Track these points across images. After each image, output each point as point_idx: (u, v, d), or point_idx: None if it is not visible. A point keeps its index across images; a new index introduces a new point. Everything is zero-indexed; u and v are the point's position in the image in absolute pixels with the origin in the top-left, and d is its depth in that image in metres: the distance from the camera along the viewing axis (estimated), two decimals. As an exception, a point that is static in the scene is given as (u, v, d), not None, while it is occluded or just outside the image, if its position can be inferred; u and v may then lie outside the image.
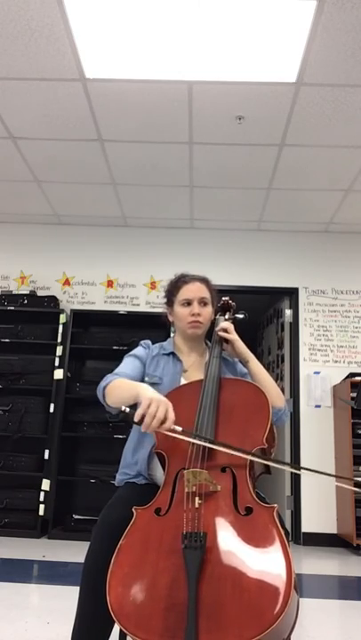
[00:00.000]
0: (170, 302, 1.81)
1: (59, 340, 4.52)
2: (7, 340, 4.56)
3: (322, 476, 4.44)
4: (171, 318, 1.83)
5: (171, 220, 5.03)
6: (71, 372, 4.57)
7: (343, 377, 4.55)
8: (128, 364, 1.72)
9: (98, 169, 4.17)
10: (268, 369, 5.69)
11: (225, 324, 1.72)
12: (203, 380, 1.54)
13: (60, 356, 4.48)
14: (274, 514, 1.17)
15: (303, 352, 4.84)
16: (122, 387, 1.51)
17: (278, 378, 5.17)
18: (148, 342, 1.82)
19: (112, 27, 2.75)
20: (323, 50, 2.84)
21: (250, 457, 1.31)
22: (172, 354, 1.77)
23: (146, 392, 1.37)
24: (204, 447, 1.32)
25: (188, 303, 1.74)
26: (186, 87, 3.18)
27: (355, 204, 4.55)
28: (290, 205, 4.65)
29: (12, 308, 4.61)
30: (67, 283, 5.08)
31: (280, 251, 5.10)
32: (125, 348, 4.35)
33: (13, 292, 4.79)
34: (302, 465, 4.57)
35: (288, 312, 5.05)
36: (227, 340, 1.71)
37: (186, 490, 1.22)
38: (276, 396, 1.62)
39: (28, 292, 4.77)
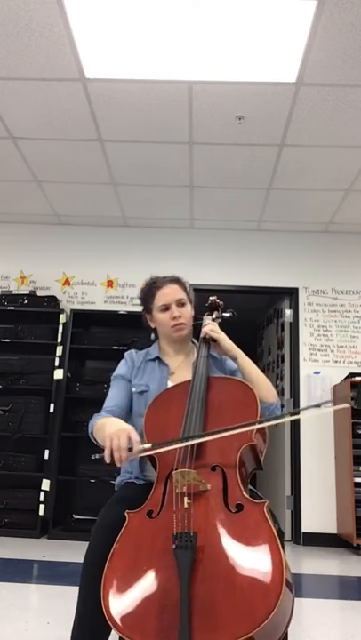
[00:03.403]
0: (148, 310, 1.80)
1: (59, 340, 4.52)
2: (7, 340, 4.56)
3: (322, 477, 4.45)
4: (153, 325, 1.81)
5: (171, 219, 5.03)
6: (71, 372, 4.57)
7: (343, 377, 4.55)
8: (113, 392, 1.72)
9: (98, 169, 4.17)
10: (268, 369, 5.72)
11: (209, 325, 1.71)
12: (190, 381, 1.54)
13: (60, 356, 4.48)
14: (264, 509, 1.17)
15: (303, 352, 4.84)
16: (99, 429, 1.51)
17: (278, 378, 5.18)
18: (132, 353, 1.81)
19: (112, 27, 2.76)
20: (323, 50, 2.84)
21: (241, 429, 1.31)
22: (158, 358, 1.76)
23: (106, 430, 1.37)
24: (192, 448, 1.32)
25: (167, 308, 1.72)
26: (186, 87, 3.18)
27: (355, 204, 4.55)
28: (290, 205, 4.65)
29: (12, 308, 4.61)
30: (67, 283, 5.08)
31: (280, 251, 5.10)
32: (125, 348, 4.35)
33: (13, 292, 4.79)
34: (302, 465, 4.57)
35: (288, 312, 5.05)
36: (214, 339, 1.70)
37: (176, 491, 1.22)
38: (267, 391, 1.61)
39: (28, 292, 4.77)
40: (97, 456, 1.37)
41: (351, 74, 3.00)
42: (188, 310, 1.76)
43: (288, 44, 2.81)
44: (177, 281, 1.80)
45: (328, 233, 5.13)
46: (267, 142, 3.72)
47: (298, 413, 1.66)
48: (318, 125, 3.49)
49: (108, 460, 1.32)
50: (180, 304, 1.73)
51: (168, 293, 1.73)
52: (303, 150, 3.79)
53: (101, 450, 1.38)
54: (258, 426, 1.38)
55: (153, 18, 2.68)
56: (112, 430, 1.35)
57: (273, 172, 4.11)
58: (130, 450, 1.31)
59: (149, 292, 1.78)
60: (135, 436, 1.33)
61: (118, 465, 1.34)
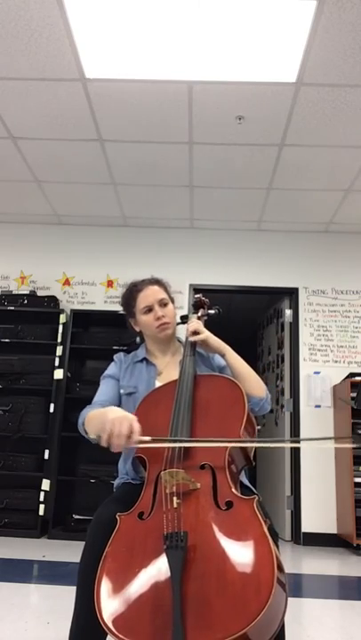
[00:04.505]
0: (130, 314, 1.81)
1: (59, 340, 4.52)
2: (7, 340, 4.56)
3: (322, 477, 4.45)
4: (137, 328, 1.82)
5: (171, 219, 5.03)
6: (71, 372, 4.57)
7: (343, 377, 4.55)
8: (103, 388, 1.74)
9: (98, 169, 4.17)
10: (268, 369, 5.71)
11: (192, 326, 1.70)
12: (177, 380, 1.54)
13: (60, 356, 4.48)
14: (254, 505, 1.17)
15: (303, 352, 4.84)
16: (94, 418, 1.51)
17: (278, 378, 5.18)
18: (121, 355, 1.82)
19: (112, 27, 2.76)
20: (323, 50, 2.84)
21: (229, 444, 1.31)
22: (145, 359, 1.77)
23: (109, 415, 1.37)
24: (180, 447, 1.33)
25: (150, 309, 1.73)
26: (186, 87, 3.18)
27: (355, 204, 4.55)
28: (290, 205, 4.65)
29: (12, 308, 4.61)
30: (67, 283, 5.08)
31: (280, 251, 5.10)
32: (125, 348, 4.34)
33: (13, 292, 4.79)
34: (302, 465, 4.57)
35: (288, 312, 5.05)
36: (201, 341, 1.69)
37: (166, 491, 1.23)
38: (256, 386, 1.60)
39: (28, 292, 4.77)
40: (93, 437, 1.38)
41: (351, 74, 3.00)
42: (171, 309, 1.77)
43: (288, 43, 2.81)
44: (157, 282, 1.81)
45: (328, 233, 5.13)
46: (267, 142, 3.72)
47: (298, 442, 1.65)
48: (318, 125, 3.49)
49: (104, 444, 1.33)
50: (163, 304, 1.75)
51: (149, 295, 1.75)
52: (303, 150, 3.79)
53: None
54: (259, 445, 1.37)
55: (153, 18, 2.68)
56: (115, 416, 1.35)
57: (273, 172, 4.11)
58: (128, 438, 1.31)
59: (130, 295, 1.79)
60: (137, 426, 1.32)
61: (114, 451, 1.34)
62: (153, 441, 1.33)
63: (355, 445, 2.05)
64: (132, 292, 1.79)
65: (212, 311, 1.89)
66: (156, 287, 1.78)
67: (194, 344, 1.69)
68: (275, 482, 4.98)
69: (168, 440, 1.34)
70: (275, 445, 1.39)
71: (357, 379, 4.35)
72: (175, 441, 1.34)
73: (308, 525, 4.43)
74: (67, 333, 4.55)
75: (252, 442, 1.38)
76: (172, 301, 1.80)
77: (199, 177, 4.24)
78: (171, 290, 1.84)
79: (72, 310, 4.72)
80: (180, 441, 1.34)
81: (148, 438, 1.33)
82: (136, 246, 5.10)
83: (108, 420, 1.34)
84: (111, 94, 3.28)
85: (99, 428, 1.43)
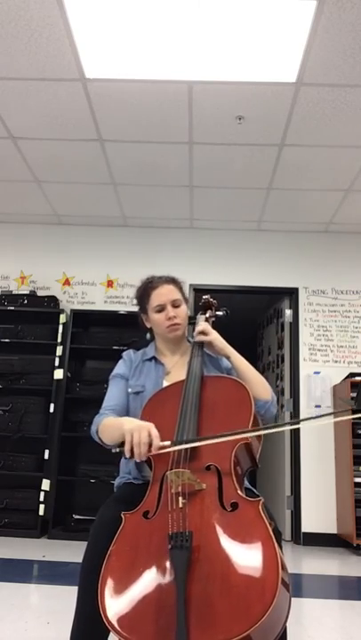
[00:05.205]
0: (143, 310, 1.80)
1: (59, 340, 4.52)
2: (7, 340, 4.56)
3: (322, 477, 4.45)
4: (148, 325, 1.81)
5: (171, 219, 5.03)
6: (71, 372, 4.57)
7: (343, 377, 4.55)
8: (112, 391, 1.72)
9: (98, 169, 4.17)
10: (268, 369, 5.70)
11: (200, 326, 1.71)
12: (185, 381, 1.54)
13: (60, 356, 4.48)
14: (260, 507, 1.17)
15: (303, 352, 4.84)
16: (109, 427, 1.52)
17: (278, 378, 5.18)
18: (130, 353, 1.82)
19: (112, 27, 2.76)
20: (323, 50, 2.84)
21: (240, 435, 1.31)
22: (154, 358, 1.77)
23: (125, 426, 1.38)
24: (187, 448, 1.33)
25: (162, 308, 1.72)
26: (186, 87, 3.18)
27: (355, 204, 4.55)
28: (290, 205, 4.65)
29: (12, 308, 4.61)
30: (67, 283, 5.08)
31: (280, 251, 5.10)
32: (125, 348, 4.34)
33: (13, 292, 4.79)
34: (302, 465, 4.57)
35: (288, 312, 5.05)
36: (207, 342, 1.70)
37: (171, 491, 1.22)
38: (262, 388, 1.60)
39: (28, 292, 4.77)
40: (117, 449, 1.39)
41: (351, 74, 3.00)
42: (184, 310, 1.76)
43: (288, 43, 2.81)
44: (172, 281, 1.79)
45: (328, 233, 5.13)
46: (267, 142, 3.72)
47: (298, 423, 1.66)
48: (318, 125, 3.49)
49: (128, 455, 1.34)
50: (175, 305, 1.74)
51: (164, 294, 1.74)
52: (303, 150, 3.79)
53: (114, 446, 1.41)
54: (262, 432, 1.38)
55: (153, 18, 2.68)
56: (132, 426, 1.36)
57: (273, 172, 4.11)
58: (149, 446, 1.32)
59: (145, 292, 1.78)
60: (155, 432, 1.33)
61: (138, 460, 1.35)
62: (173, 444, 1.33)
63: (355, 416, 2.07)
64: (146, 289, 1.78)
65: (219, 312, 1.88)
66: (170, 286, 1.76)
67: (201, 345, 1.69)
68: (275, 482, 4.98)
69: (188, 441, 1.34)
70: (275, 430, 1.39)
71: (357, 379, 4.35)
72: (194, 440, 1.33)
73: (308, 525, 4.43)
74: (67, 333, 4.55)
75: (259, 430, 1.39)
76: (186, 302, 1.79)
77: (199, 177, 4.24)
78: (185, 291, 1.83)
79: (72, 310, 4.72)
80: (199, 440, 1.33)
81: (167, 443, 1.33)
82: (136, 246, 5.10)
83: (125, 431, 1.35)
84: (111, 94, 3.28)
85: (117, 439, 1.43)
